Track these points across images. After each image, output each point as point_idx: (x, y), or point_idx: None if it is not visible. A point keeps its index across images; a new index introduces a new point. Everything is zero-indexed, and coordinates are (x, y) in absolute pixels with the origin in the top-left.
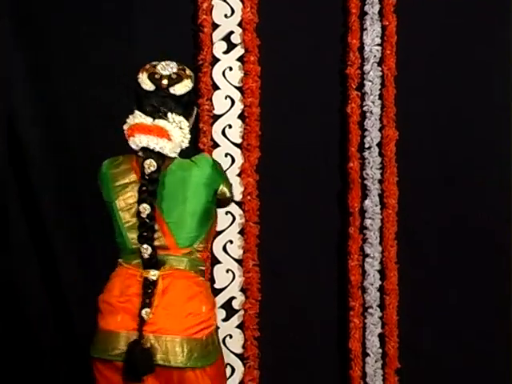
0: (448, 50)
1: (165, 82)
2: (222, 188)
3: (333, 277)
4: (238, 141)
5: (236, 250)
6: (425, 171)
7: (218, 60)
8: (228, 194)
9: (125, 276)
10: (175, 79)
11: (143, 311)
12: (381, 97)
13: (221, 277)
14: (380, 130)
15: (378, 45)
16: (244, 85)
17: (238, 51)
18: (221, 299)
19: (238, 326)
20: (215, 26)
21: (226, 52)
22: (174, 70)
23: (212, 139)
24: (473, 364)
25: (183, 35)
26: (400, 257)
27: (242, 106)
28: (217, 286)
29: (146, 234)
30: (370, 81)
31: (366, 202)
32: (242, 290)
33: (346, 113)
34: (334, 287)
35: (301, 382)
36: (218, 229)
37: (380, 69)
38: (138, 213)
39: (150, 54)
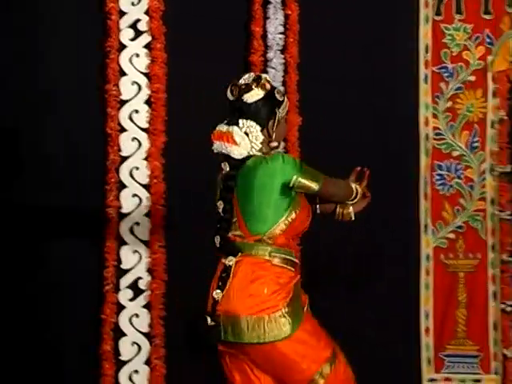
0: (350, 38)
1: (236, 92)
2: (298, 180)
3: None
4: (145, 126)
5: (143, 232)
6: (326, 157)
7: (125, 47)
8: (314, 187)
9: (218, 264)
10: (245, 89)
11: (214, 292)
12: (284, 83)
13: (128, 258)
14: None
15: (281, 33)
16: (150, 71)
17: (145, 38)
18: (127, 280)
19: (145, 306)
20: (122, 14)
21: (132, 39)
22: (247, 81)
23: (119, 124)
24: None
25: (91, 22)
26: None
27: (149, 92)
28: (124, 266)
29: (218, 225)
30: (273, 68)
31: None
32: (149, 270)
33: None
34: None
35: (207, 360)
36: (125, 211)
37: (283, 56)
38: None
39: (58, 41)
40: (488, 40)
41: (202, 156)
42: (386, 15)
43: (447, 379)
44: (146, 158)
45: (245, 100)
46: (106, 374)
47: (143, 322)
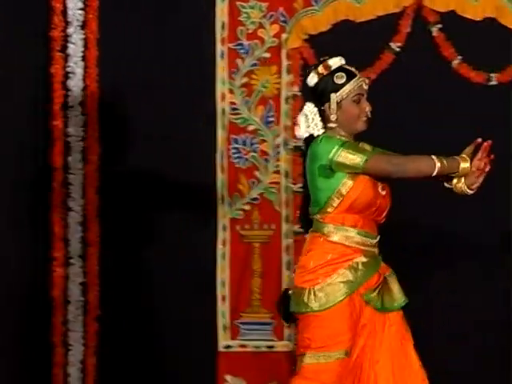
0: (152, 16)
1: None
2: (336, 161)
3: (38, 229)
4: None
5: None
6: (124, 132)
7: None
8: (357, 164)
9: None
10: (308, 72)
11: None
12: (83, 58)
13: None
14: (83, 89)
15: (81, 9)
16: None
17: None
18: None
19: None
20: None
21: None
22: (314, 65)
23: None
24: None
25: None
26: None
27: None
28: None
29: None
30: (73, 43)
31: (69, 158)
32: None
33: (50, 73)
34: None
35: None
36: None
37: (83, 32)
38: None
39: None
40: (282, 18)
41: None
42: None
43: (242, 346)
44: None
45: (308, 83)
46: None
47: None
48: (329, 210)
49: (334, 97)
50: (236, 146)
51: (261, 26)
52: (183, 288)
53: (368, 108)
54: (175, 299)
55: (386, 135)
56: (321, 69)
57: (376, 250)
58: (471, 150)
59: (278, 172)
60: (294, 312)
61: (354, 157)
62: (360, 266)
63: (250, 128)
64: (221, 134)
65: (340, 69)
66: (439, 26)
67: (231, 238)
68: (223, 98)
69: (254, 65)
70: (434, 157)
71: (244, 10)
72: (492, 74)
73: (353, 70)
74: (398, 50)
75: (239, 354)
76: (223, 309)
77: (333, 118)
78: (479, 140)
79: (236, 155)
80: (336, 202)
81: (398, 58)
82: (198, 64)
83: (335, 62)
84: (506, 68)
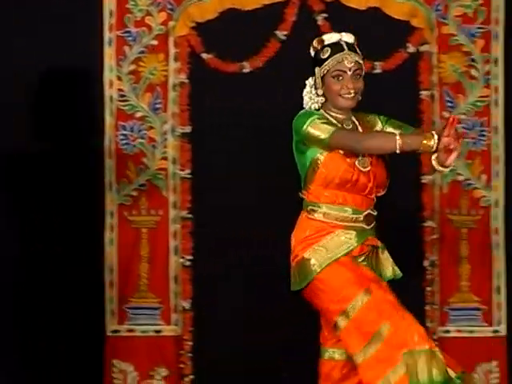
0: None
1: None
2: (306, 132)
3: None
4: None
5: None
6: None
7: None
8: (322, 138)
9: None
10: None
11: None
12: None
13: None
14: None
15: None
16: None
17: None
18: None
19: None
20: None
21: None
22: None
23: None
24: None
25: None
26: None
27: None
28: None
29: None
30: None
31: None
32: None
33: None
34: None
35: None
36: None
37: None
38: None
39: None
40: (169, 6)
41: None
42: None
43: (130, 330)
44: None
45: None
46: None
47: None
48: (309, 186)
49: (317, 71)
50: (124, 132)
51: (148, 13)
52: (70, 274)
53: (350, 85)
54: (63, 285)
55: (272, 119)
56: (315, 43)
57: (364, 225)
58: (444, 127)
59: (165, 158)
60: (299, 289)
61: (320, 132)
62: (335, 240)
63: (138, 115)
64: (109, 121)
65: (330, 44)
66: (324, 14)
67: (119, 224)
68: (111, 85)
69: (142, 52)
70: (397, 134)
71: None
72: (376, 63)
73: (344, 46)
74: (283, 38)
75: (127, 339)
76: (111, 294)
77: (319, 92)
78: (450, 118)
79: (124, 141)
80: (312, 178)
81: (283, 45)
82: (86, 51)
83: (330, 37)
84: (389, 56)
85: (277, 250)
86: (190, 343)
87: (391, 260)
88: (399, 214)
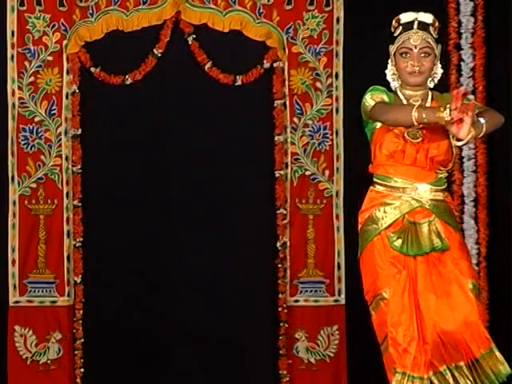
0: None
1: None
2: (362, 107)
3: None
4: None
5: None
6: None
7: None
8: (367, 110)
9: None
10: None
11: None
12: None
13: None
14: None
15: None
16: None
17: None
18: None
19: None
20: None
21: None
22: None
23: None
24: None
25: None
26: None
27: None
28: None
29: None
30: None
31: None
32: None
33: None
34: None
35: None
36: None
37: None
38: None
39: None
40: (63, 28)
41: None
42: None
43: (29, 301)
44: None
45: None
46: None
47: None
48: (372, 158)
49: (390, 48)
50: (24, 134)
51: (45, 33)
52: None
53: (415, 63)
54: None
55: (149, 121)
56: (394, 21)
57: (416, 197)
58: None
59: (60, 156)
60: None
61: (367, 104)
62: (382, 211)
63: (36, 119)
64: (11, 124)
65: (404, 23)
66: (194, 36)
67: (20, 211)
68: (13, 93)
69: (40, 66)
70: (414, 107)
71: (30, 20)
72: (237, 76)
73: (415, 25)
74: (159, 55)
75: (27, 308)
76: (13, 270)
77: (392, 69)
78: (454, 91)
79: (24, 142)
80: (372, 151)
81: (159, 62)
82: None
83: (406, 16)
84: (248, 71)
85: (159, 226)
86: (81, 312)
87: (437, 232)
88: (254, 203)
